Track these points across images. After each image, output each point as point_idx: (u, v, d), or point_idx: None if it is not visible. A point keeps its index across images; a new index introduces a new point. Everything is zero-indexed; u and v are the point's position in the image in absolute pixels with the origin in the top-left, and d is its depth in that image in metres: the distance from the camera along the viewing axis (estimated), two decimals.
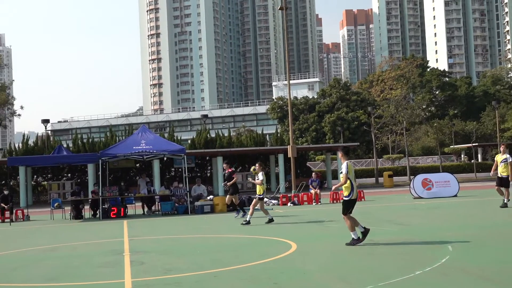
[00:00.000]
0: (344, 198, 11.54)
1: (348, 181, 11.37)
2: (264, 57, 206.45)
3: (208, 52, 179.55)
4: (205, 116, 63.77)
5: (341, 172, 11.50)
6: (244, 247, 12.22)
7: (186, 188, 23.68)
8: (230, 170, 20.01)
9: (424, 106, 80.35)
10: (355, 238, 11.30)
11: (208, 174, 44.61)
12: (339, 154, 11.84)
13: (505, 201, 18.18)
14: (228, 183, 19.71)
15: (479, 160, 62.76)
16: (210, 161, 43.87)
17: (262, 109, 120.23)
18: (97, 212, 23.21)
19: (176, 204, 23.24)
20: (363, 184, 45.05)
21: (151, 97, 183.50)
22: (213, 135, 48.54)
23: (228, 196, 19.80)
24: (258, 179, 17.30)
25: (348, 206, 11.49)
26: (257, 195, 17.24)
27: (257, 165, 17.72)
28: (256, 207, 17.22)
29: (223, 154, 39.34)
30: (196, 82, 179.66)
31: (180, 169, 39.56)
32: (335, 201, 25.67)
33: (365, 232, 11.35)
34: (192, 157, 39.51)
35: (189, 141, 48.30)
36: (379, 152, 62.71)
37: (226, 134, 48.58)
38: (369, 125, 59.98)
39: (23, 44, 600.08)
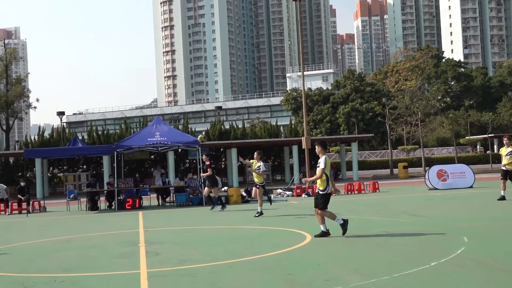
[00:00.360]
0: (320, 192, 11.47)
1: (324, 175, 11.40)
2: (278, 48, 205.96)
3: (222, 44, 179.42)
4: (219, 107, 63.92)
5: (318, 166, 11.50)
6: (258, 238, 12.24)
7: (201, 180, 23.75)
8: (208, 163, 19.92)
9: (439, 97, 79.67)
10: (324, 230, 11.40)
11: (223, 166, 44.69)
12: (317, 148, 11.74)
13: None
14: (203, 174, 19.75)
15: (495, 151, 62.25)
16: (225, 152, 43.94)
17: (276, 100, 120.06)
18: (113, 203, 23.36)
19: (191, 196, 23.33)
20: (377, 176, 44.92)
21: (165, 89, 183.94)
22: (227, 126, 48.57)
23: (206, 188, 19.89)
24: (260, 169, 17.18)
25: (326, 200, 11.47)
26: (258, 184, 17.14)
27: (255, 153, 17.46)
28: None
29: (237, 146, 39.39)
30: (210, 74, 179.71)
31: (194, 161, 39.71)
32: (349, 193, 25.62)
33: (325, 234, 11.41)
34: (206, 148, 39.56)
35: (203, 133, 48.38)
36: (393, 143, 62.40)
37: (240, 126, 48.60)
38: (384, 116, 59.63)
39: (38, 37, 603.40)
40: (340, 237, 11.38)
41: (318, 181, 11.46)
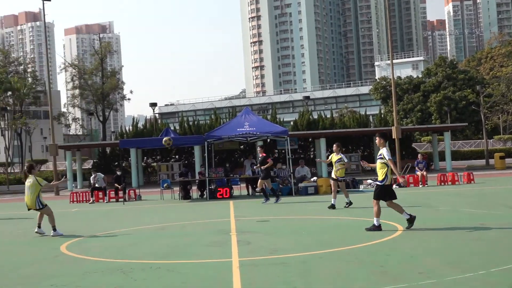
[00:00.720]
0: (378, 183, 11.37)
1: (385, 167, 11.25)
2: (366, 36, 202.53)
3: (309, 33, 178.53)
4: (307, 97, 63.81)
5: (380, 158, 11.35)
6: (349, 229, 12.17)
7: (290, 170, 23.82)
8: (264, 155, 19.88)
9: None
10: (376, 224, 11.22)
11: (311, 156, 44.60)
12: (378, 140, 11.61)
13: None
14: (262, 167, 19.67)
15: None
16: (313, 142, 43.82)
17: (364, 89, 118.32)
18: (204, 192, 23.87)
19: (280, 186, 23.44)
20: (472, 166, 43.46)
21: (253, 79, 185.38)
22: (315, 116, 48.40)
23: (260, 180, 19.86)
24: (342, 160, 16.84)
25: (386, 192, 11.31)
26: (340, 178, 16.70)
27: (334, 146, 17.06)
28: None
29: (326, 136, 39.19)
30: (298, 64, 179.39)
31: (283, 151, 39.90)
32: (443, 184, 24.93)
33: (411, 219, 11.22)
34: (295, 138, 39.61)
35: (291, 123, 48.47)
36: (489, 132, 60.09)
37: (328, 116, 48.32)
38: (478, 105, 57.55)
39: (130, 31, 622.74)
40: (434, 229, 11.12)
41: (379, 172, 11.36)
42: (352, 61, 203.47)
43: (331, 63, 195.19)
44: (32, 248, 11.72)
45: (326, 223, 13.51)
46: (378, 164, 11.40)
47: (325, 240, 10.62)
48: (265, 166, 19.62)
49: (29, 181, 13.32)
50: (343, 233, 11.53)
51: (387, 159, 11.23)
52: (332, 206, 16.21)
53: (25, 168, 14.05)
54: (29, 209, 13.47)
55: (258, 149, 20.48)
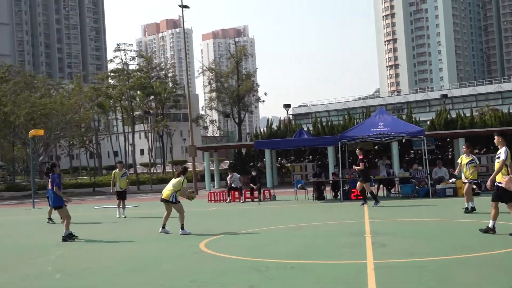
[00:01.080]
0: (498, 184, 10.66)
1: (504, 167, 10.74)
2: (509, 30, 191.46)
3: (446, 29, 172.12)
4: (445, 96, 61.72)
5: (498, 157, 10.88)
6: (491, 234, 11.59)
7: (427, 171, 23.13)
8: (360, 157, 19.38)
9: None
10: (490, 226, 10.88)
11: (450, 157, 42.94)
12: (497, 139, 11.00)
13: None
14: (355, 167, 19.73)
15: None
16: (451, 143, 42.17)
17: (507, 86, 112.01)
18: (338, 193, 23.79)
19: (417, 187, 22.85)
20: None
21: (388, 78, 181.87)
22: (453, 115, 46.59)
23: (358, 183, 19.51)
24: (475, 162, 16.09)
25: (506, 194, 10.54)
26: (472, 180, 16.04)
27: (464, 147, 16.56)
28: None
29: (465, 135, 37.55)
30: (434, 61, 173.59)
31: (419, 151, 38.80)
32: None
33: (490, 230, 10.95)
34: (431, 138, 38.35)
35: (428, 122, 47.01)
36: None
37: (468, 114, 46.31)
38: None
39: (264, 34, 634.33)
40: None
41: (499, 174, 10.82)
42: (493, 57, 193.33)
43: (470, 59, 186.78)
44: (172, 245, 12.31)
45: (465, 226, 12.99)
46: (497, 164, 10.97)
47: (464, 244, 10.22)
48: (357, 168, 19.52)
49: (176, 179, 14.09)
50: (483, 238, 11.00)
51: (501, 159, 10.83)
52: (472, 209, 15.55)
53: (180, 169, 15.08)
54: (161, 200, 14.06)
55: (357, 151, 20.06)
